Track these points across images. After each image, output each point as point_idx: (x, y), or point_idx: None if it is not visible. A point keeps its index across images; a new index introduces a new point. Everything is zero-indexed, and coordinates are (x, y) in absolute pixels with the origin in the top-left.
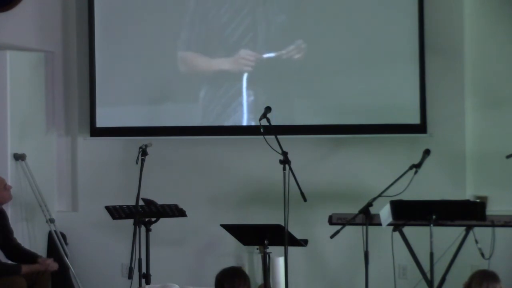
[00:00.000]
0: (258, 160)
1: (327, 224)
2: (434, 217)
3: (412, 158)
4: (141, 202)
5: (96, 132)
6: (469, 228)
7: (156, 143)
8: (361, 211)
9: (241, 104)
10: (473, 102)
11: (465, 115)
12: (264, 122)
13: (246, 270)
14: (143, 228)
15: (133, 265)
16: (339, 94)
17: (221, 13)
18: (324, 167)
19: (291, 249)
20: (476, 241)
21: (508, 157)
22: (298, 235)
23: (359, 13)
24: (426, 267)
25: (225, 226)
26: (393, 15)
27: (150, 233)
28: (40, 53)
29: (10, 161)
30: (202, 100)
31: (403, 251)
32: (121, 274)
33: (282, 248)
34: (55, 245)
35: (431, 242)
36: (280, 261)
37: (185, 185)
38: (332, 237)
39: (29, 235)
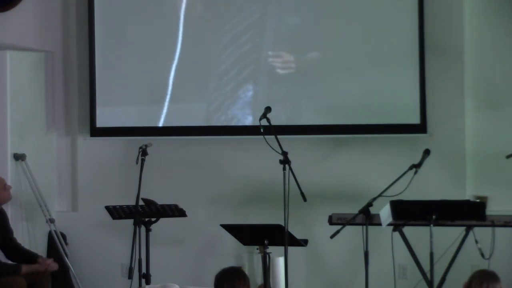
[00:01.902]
0: (258, 160)
1: (327, 224)
2: (434, 217)
3: (412, 158)
4: (141, 202)
5: (96, 132)
6: (469, 228)
7: (156, 143)
8: (361, 211)
9: (241, 104)
10: (473, 102)
11: (465, 115)
12: (264, 122)
13: (246, 270)
14: (143, 228)
15: (133, 265)
16: (339, 94)
17: (223, 12)
18: (324, 167)
19: (291, 249)
20: (476, 241)
21: (508, 157)
22: (298, 235)
23: (359, 13)
24: (426, 267)
25: (225, 226)
26: (393, 15)
27: (150, 233)
28: (40, 53)
29: (10, 161)
30: (202, 100)
31: (403, 251)
32: (121, 274)
33: (282, 248)
34: (55, 245)
35: (431, 242)
36: (280, 261)
37: (185, 185)
38: (332, 237)
39: (29, 235)
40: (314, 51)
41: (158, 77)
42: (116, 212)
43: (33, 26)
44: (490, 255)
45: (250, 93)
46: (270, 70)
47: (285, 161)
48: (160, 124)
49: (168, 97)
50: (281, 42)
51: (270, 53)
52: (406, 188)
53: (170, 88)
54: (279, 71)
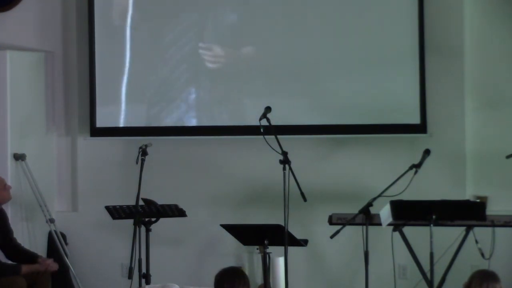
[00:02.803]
0: (258, 160)
1: (327, 224)
2: (434, 217)
3: (412, 158)
4: (141, 202)
5: (96, 132)
6: (469, 228)
7: (156, 143)
8: (361, 211)
9: (241, 104)
10: (473, 102)
11: (465, 115)
12: (264, 122)
13: (246, 270)
14: (143, 228)
15: (133, 265)
16: (339, 94)
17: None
18: (324, 167)
19: (291, 249)
20: (476, 241)
21: (508, 157)
22: (298, 235)
23: (359, 13)
24: (426, 267)
25: (225, 226)
26: (393, 15)
27: (150, 233)
28: (40, 53)
29: (10, 161)
30: (202, 100)
31: (403, 251)
32: (121, 274)
33: (282, 248)
34: (55, 245)
35: (431, 242)
36: (280, 261)
37: (185, 185)
38: (332, 237)
39: (29, 235)
40: (313, 51)
41: (158, 77)
42: (116, 212)
43: (33, 26)
44: (490, 255)
45: (249, 94)
46: (270, 70)
47: (285, 161)
48: (160, 124)
49: (168, 97)
50: (278, 42)
51: (270, 53)
52: (406, 188)
53: (170, 88)
54: (279, 71)
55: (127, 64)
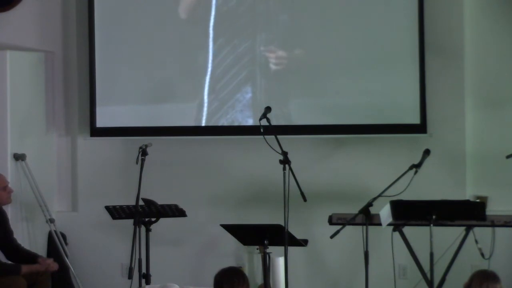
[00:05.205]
0: (258, 160)
1: (327, 224)
2: (434, 217)
3: (412, 158)
4: (141, 202)
5: (96, 132)
6: (469, 228)
7: (156, 143)
8: (361, 211)
9: (241, 104)
10: (473, 102)
11: (465, 115)
12: (264, 122)
13: (246, 270)
14: (143, 228)
15: (133, 265)
16: (339, 94)
17: (222, 10)
18: (324, 167)
19: (291, 249)
20: (476, 241)
21: (508, 157)
22: (298, 235)
23: (359, 13)
24: (426, 267)
25: (225, 226)
26: (393, 15)
27: (150, 233)
28: (40, 53)
29: (10, 161)
30: (202, 100)
31: (403, 251)
32: (121, 274)
33: (282, 248)
34: (55, 245)
35: (431, 242)
36: (280, 261)
37: (185, 185)
38: (332, 237)
39: (29, 235)
40: (314, 51)
41: (158, 77)
42: (116, 212)
43: (33, 26)
44: (490, 255)
45: (249, 94)
46: (270, 70)
47: (285, 161)
48: (160, 124)
49: (168, 97)
50: (281, 42)
51: (269, 53)
52: (406, 188)
53: (170, 88)
54: (278, 69)
55: (127, 64)
